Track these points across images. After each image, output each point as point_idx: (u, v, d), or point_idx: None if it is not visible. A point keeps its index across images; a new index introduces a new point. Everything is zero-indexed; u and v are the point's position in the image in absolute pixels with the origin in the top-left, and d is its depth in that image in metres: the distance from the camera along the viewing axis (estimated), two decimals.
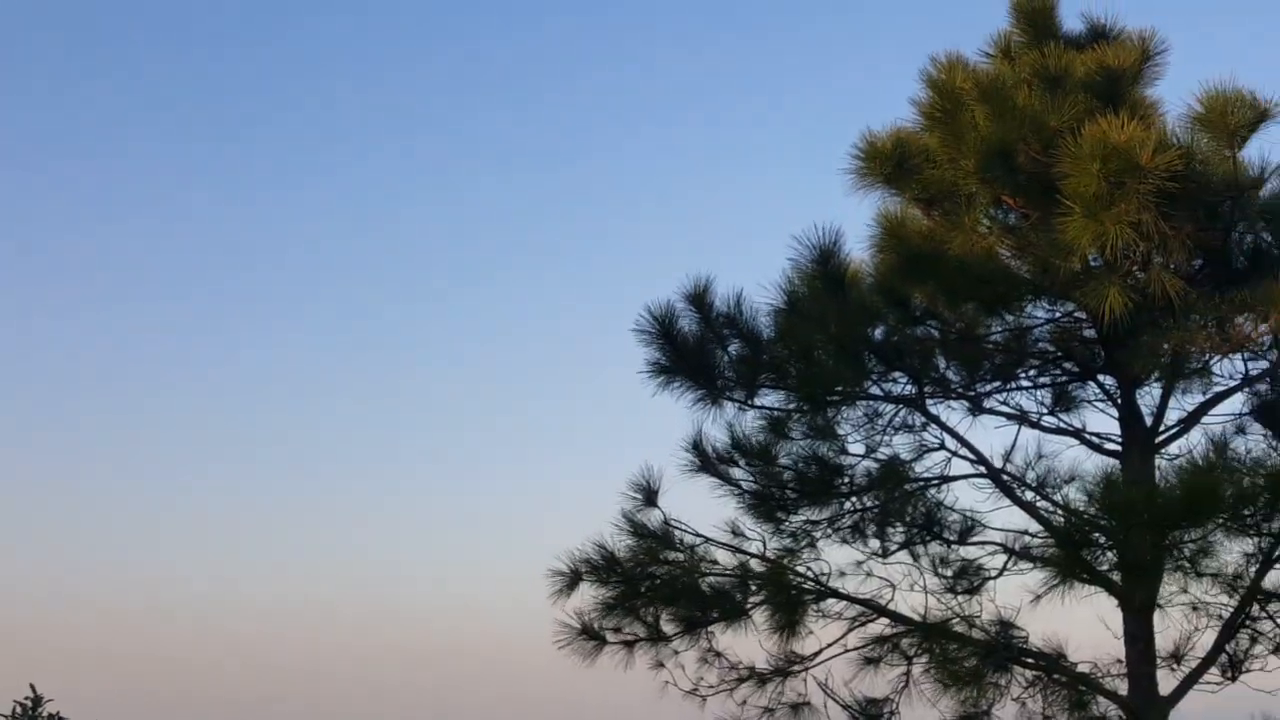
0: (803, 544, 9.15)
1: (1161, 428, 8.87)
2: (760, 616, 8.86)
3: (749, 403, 9.27)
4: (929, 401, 9.14)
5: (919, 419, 9.18)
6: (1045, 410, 9.27)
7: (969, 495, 9.18)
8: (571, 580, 9.14)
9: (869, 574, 9.19)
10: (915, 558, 9.30)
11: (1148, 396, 8.98)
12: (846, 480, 9.09)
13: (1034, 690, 8.69)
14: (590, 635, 9.15)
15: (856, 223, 9.15)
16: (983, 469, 9.02)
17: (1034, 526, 8.86)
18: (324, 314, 31.71)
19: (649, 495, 9.09)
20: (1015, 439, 9.26)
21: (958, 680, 8.12)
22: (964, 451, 9.09)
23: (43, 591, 26.18)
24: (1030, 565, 8.99)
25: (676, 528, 9.07)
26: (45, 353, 30.84)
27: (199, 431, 30.10)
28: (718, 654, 9.22)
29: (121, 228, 32.09)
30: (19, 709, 10.88)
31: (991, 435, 9.36)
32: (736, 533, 9.12)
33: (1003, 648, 8.50)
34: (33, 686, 11.07)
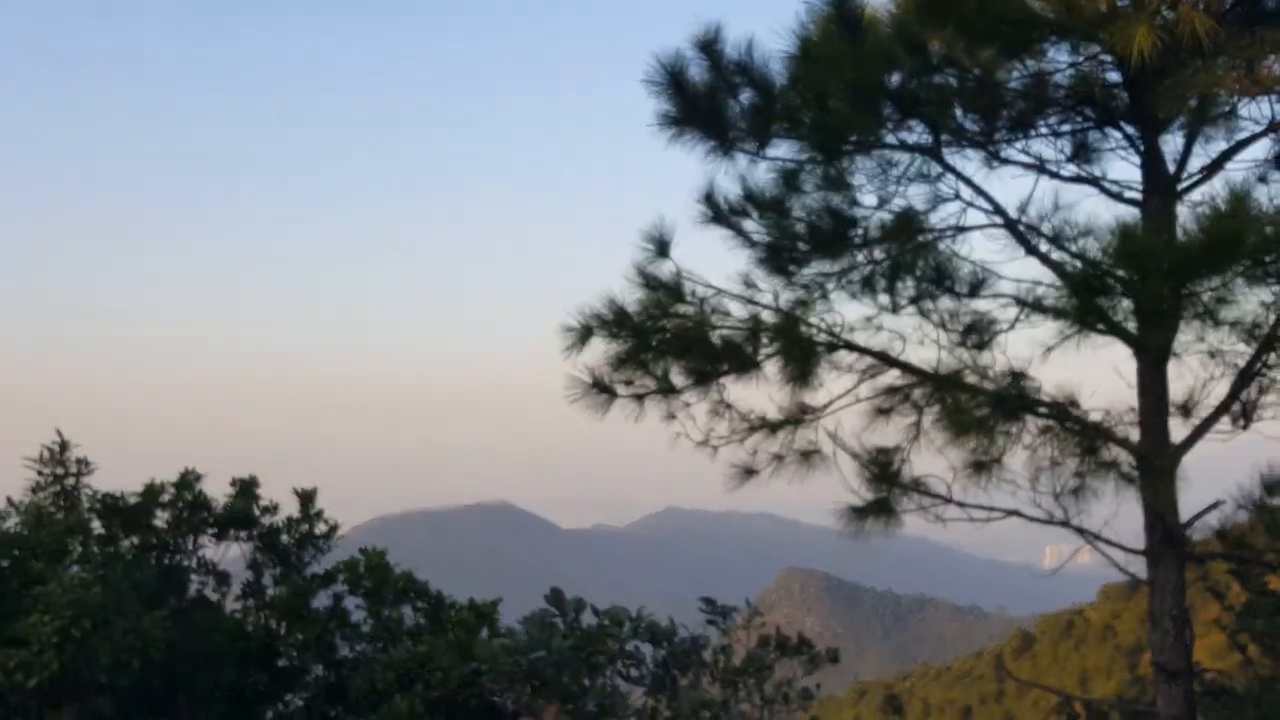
0: (815, 295, 9.04)
1: (1184, 175, 8.67)
2: (771, 368, 8.85)
3: (761, 154, 9.06)
4: (945, 151, 8.91)
5: (935, 169, 8.95)
6: (1064, 158, 9.01)
7: (982, 248, 9.06)
8: (583, 335, 9.09)
9: (879, 328, 9.14)
10: (925, 313, 9.23)
11: (1170, 144, 8.76)
12: (859, 232, 8.92)
13: (1045, 438, 8.72)
14: (601, 389, 9.17)
15: None
16: (998, 219, 8.86)
17: (1048, 278, 8.75)
18: None
19: (661, 246, 8.96)
20: (1033, 189, 9.05)
21: (968, 429, 8.12)
22: (980, 202, 8.90)
23: None
24: (1043, 317, 8.92)
25: (688, 279, 8.98)
26: None
27: None
28: (728, 405, 9.27)
29: None
30: (46, 453, 10.90)
31: (1008, 186, 9.15)
32: (749, 284, 9.03)
33: (1014, 397, 8.49)
34: (59, 431, 11.06)
